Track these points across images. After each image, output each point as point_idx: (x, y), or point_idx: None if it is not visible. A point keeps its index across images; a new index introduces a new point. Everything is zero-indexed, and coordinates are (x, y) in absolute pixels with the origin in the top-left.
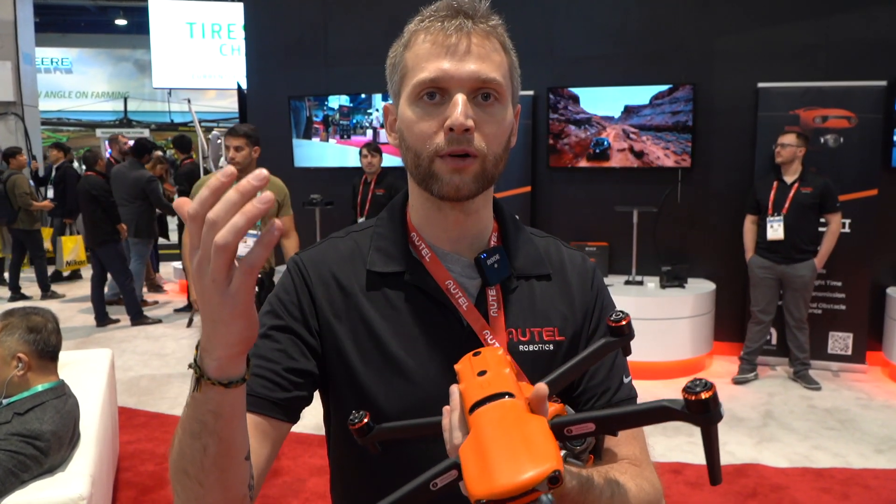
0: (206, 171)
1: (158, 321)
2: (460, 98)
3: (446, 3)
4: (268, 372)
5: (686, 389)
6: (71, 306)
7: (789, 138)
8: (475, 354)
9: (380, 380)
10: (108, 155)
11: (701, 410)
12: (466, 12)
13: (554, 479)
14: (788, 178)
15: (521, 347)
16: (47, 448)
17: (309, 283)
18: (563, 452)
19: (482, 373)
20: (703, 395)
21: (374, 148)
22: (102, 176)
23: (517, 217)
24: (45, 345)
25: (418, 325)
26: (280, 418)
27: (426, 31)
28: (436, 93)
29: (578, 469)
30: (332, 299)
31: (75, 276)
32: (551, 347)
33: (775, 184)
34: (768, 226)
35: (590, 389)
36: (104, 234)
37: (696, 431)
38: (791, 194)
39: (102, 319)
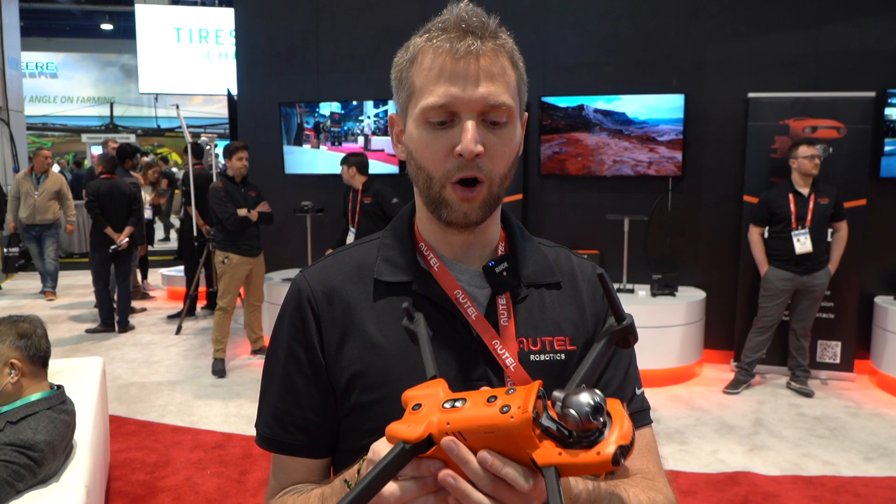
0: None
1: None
2: (470, 124)
3: (455, 21)
4: (302, 420)
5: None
6: (58, 314)
7: (815, 150)
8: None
9: (385, 396)
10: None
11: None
12: (475, 31)
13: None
14: (805, 190)
15: (531, 357)
16: (41, 458)
17: (313, 303)
18: None
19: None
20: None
21: (345, 161)
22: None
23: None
24: (37, 350)
25: None
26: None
27: (434, 52)
28: (444, 117)
29: (586, 481)
30: (337, 317)
31: None
32: (563, 357)
33: (791, 196)
34: (795, 240)
35: None
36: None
37: (689, 439)
38: (811, 206)
39: (124, 325)
